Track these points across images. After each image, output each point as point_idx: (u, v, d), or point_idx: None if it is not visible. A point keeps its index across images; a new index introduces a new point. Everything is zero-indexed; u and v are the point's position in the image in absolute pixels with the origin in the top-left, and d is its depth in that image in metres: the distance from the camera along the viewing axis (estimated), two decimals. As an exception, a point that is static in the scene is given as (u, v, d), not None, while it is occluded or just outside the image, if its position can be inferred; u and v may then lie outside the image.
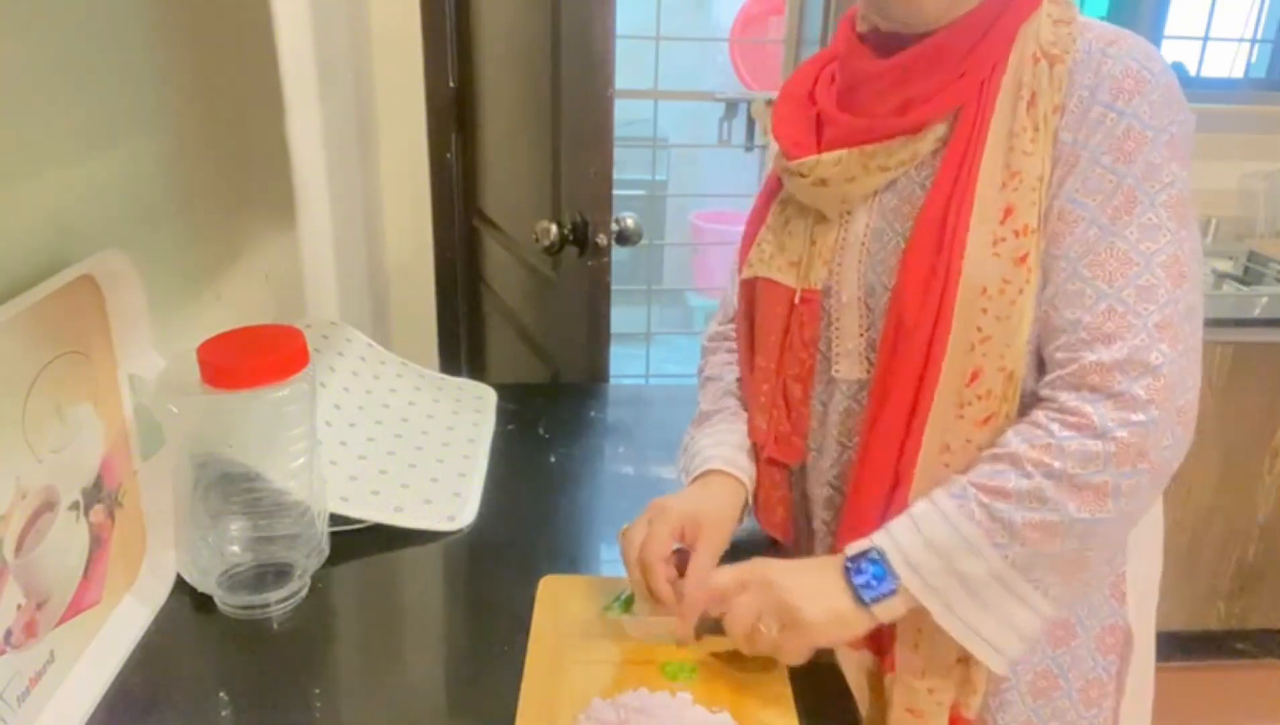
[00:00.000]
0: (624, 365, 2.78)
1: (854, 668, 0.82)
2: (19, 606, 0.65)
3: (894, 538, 0.71)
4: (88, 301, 0.74)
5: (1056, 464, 0.67)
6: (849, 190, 0.78)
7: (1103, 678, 0.82)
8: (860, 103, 0.78)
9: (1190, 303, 0.68)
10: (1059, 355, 0.70)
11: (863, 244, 0.79)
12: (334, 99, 1.61)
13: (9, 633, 0.64)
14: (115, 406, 0.78)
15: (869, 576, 0.70)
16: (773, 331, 0.85)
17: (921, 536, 0.70)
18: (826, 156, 0.77)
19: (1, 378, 0.63)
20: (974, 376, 0.72)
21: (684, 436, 0.95)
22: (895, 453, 0.75)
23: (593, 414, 1.26)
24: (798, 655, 0.72)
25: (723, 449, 0.88)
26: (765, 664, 0.75)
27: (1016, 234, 0.70)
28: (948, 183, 0.72)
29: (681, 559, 0.79)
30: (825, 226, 0.81)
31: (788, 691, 0.73)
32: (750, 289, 0.87)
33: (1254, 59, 2.46)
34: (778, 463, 0.88)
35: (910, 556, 0.70)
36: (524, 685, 0.72)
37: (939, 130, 0.74)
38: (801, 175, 0.79)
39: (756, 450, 0.89)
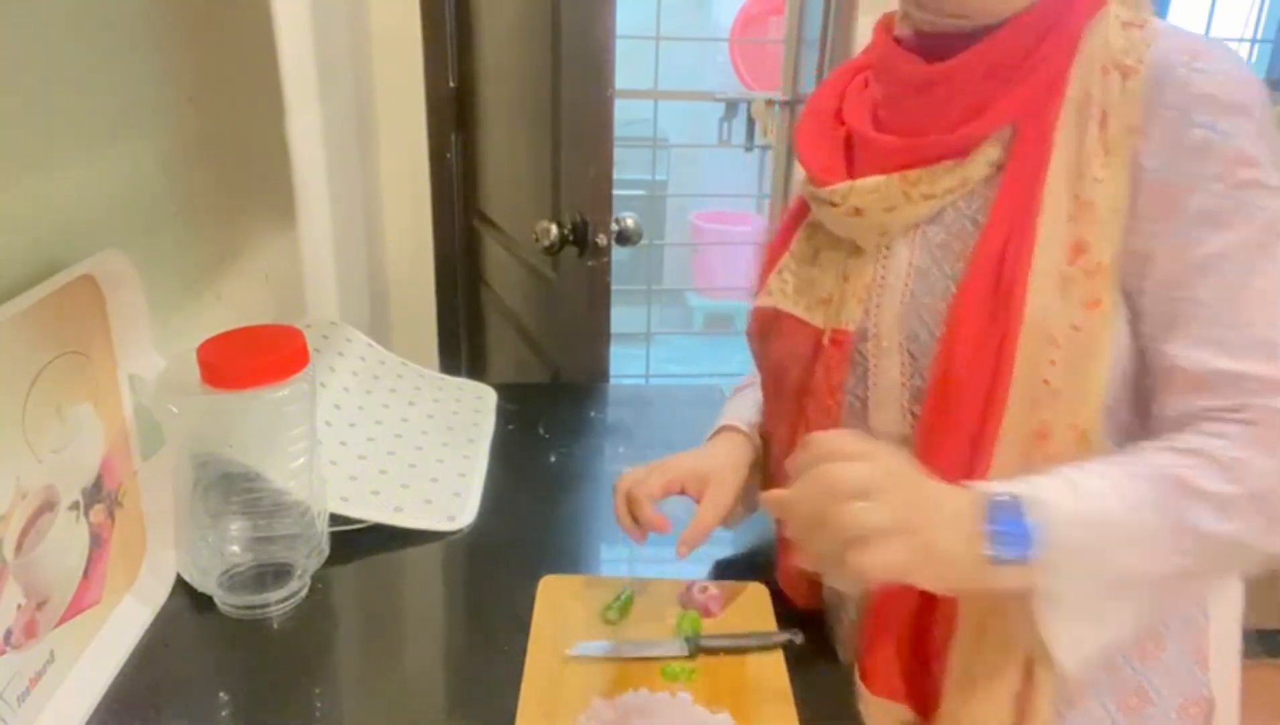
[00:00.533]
0: (624, 365, 2.78)
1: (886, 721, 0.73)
2: (19, 606, 0.65)
3: (1048, 500, 0.57)
4: (88, 301, 0.74)
5: (1255, 481, 0.57)
6: (888, 221, 0.69)
7: None
8: (899, 119, 0.70)
9: None
10: (1216, 402, 0.60)
11: (905, 284, 0.69)
12: (334, 99, 1.61)
13: (9, 633, 0.64)
14: (115, 406, 0.78)
15: (1005, 529, 0.56)
16: (794, 373, 0.76)
17: (1083, 508, 0.57)
18: (861, 183, 0.69)
19: (2, 377, 0.63)
20: (1041, 436, 0.63)
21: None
22: None
23: (593, 414, 1.26)
24: (869, 573, 0.54)
25: (741, 410, 0.88)
26: (766, 663, 0.75)
27: (1088, 274, 0.62)
28: (1005, 215, 0.64)
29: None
30: (860, 260, 0.72)
31: (788, 691, 0.73)
32: (768, 320, 0.79)
33: (1254, 59, 2.46)
34: None
35: (1063, 527, 0.56)
36: (524, 685, 0.72)
37: (992, 153, 0.66)
38: (833, 204, 0.70)
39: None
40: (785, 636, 0.77)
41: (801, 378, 0.75)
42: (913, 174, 0.67)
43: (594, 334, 1.37)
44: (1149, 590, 0.59)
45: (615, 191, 1.29)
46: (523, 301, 1.72)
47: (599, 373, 1.39)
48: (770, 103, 2.27)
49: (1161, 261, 0.62)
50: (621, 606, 0.81)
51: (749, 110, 2.33)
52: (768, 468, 0.86)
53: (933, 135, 0.67)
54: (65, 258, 0.72)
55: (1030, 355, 0.62)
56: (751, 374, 0.90)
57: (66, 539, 0.71)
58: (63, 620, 0.70)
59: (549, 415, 1.22)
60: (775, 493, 0.60)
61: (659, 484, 0.81)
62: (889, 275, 0.70)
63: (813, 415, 0.74)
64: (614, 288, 1.33)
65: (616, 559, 0.94)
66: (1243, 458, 0.57)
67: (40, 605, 0.67)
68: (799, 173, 0.78)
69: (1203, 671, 0.71)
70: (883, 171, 0.68)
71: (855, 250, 0.72)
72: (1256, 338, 0.59)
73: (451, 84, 1.94)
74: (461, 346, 2.15)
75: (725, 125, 2.38)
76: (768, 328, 0.79)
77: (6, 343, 0.64)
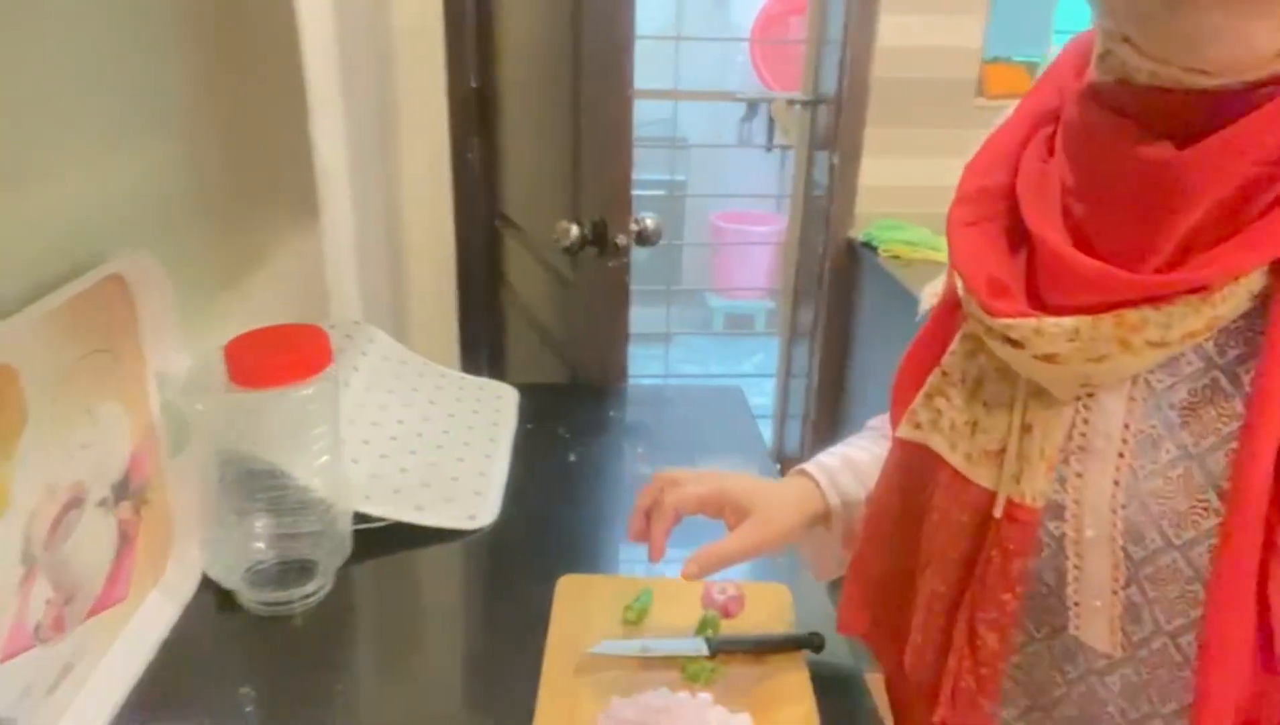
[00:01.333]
0: (643, 365, 2.79)
1: None
2: (48, 601, 0.66)
3: None
4: (117, 301, 0.75)
5: None
6: (1095, 372, 0.49)
7: None
8: (1113, 226, 0.48)
9: None
10: None
11: (1120, 454, 0.50)
12: (357, 99, 1.62)
13: (38, 627, 0.65)
14: (143, 404, 0.79)
15: None
16: (955, 547, 0.56)
17: None
18: (1054, 323, 0.48)
19: (32, 376, 0.64)
20: None
21: None
22: None
23: (612, 414, 1.27)
24: None
25: (827, 457, 0.71)
26: (787, 664, 0.75)
27: None
28: None
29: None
30: (1050, 409, 0.52)
31: (809, 693, 0.72)
32: (914, 456, 0.59)
33: None
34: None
35: None
36: (543, 684, 0.73)
37: (1255, 280, 0.45)
38: (1013, 343, 0.50)
39: (907, 692, 0.65)
40: (806, 636, 0.77)
41: (964, 555, 0.56)
42: (1134, 315, 0.46)
43: (613, 334, 1.37)
44: None
45: (635, 192, 1.29)
46: (542, 301, 1.72)
47: (618, 372, 1.39)
48: (791, 103, 2.26)
49: None
50: (641, 607, 0.81)
51: (769, 110, 2.33)
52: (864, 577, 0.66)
53: (1159, 264, 0.46)
54: (92, 258, 0.73)
55: None
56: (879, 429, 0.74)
57: (94, 535, 0.71)
58: (90, 615, 0.71)
59: (569, 415, 1.22)
60: None
61: (696, 498, 0.70)
62: (1093, 436, 0.51)
63: (982, 609, 0.55)
64: (633, 288, 1.33)
65: (636, 559, 0.94)
66: None
67: (68, 600, 0.68)
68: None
69: None
70: (1086, 309, 0.48)
71: (1037, 391, 0.52)
72: None
73: (473, 84, 1.95)
74: (482, 346, 2.15)
75: (745, 125, 2.39)
76: (914, 467, 0.59)
77: (37, 341, 0.65)
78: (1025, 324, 0.49)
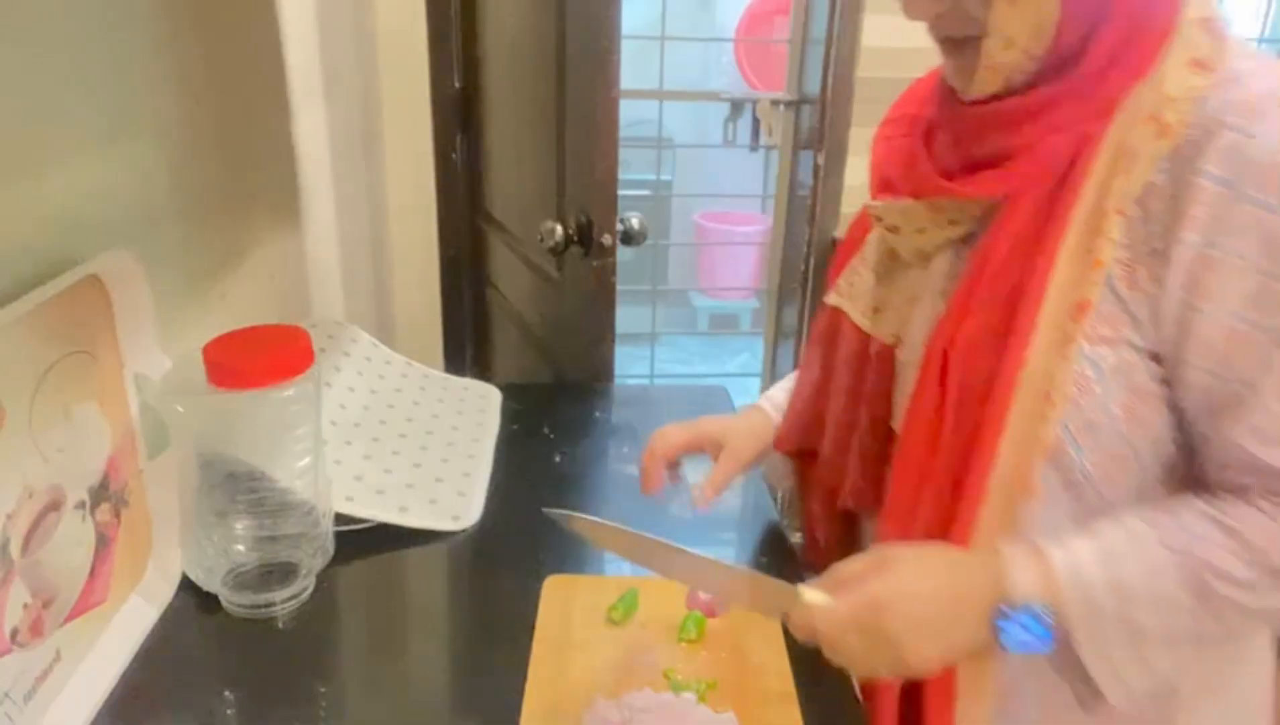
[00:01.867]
0: (629, 365, 2.78)
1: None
2: (25, 605, 0.65)
3: (1077, 569, 0.61)
4: (94, 301, 0.74)
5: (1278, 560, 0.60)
6: (921, 241, 0.71)
7: None
8: (938, 148, 0.70)
9: None
10: (1247, 480, 0.61)
11: (934, 303, 0.71)
12: (339, 99, 1.61)
13: (15, 631, 0.64)
14: (121, 406, 0.78)
15: (1023, 633, 0.60)
16: (848, 377, 0.78)
17: (1110, 574, 0.61)
18: (895, 204, 0.71)
19: (8, 377, 0.64)
20: (1027, 489, 0.63)
21: None
22: (938, 523, 0.67)
23: (597, 414, 1.26)
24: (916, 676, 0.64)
25: (774, 392, 0.94)
26: (770, 663, 0.75)
27: (1101, 340, 0.61)
28: (1011, 253, 0.63)
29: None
30: (905, 273, 0.74)
31: (793, 691, 0.73)
32: (833, 321, 0.81)
33: (1261, 58, 2.45)
34: (849, 511, 0.82)
35: (1092, 594, 0.60)
36: (528, 685, 0.72)
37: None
38: (877, 218, 0.74)
39: (827, 497, 0.84)
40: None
41: (854, 383, 0.78)
42: (939, 201, 0.68)
43: (599, 334, 1.37)
44: (1178, 645, 0.62)
45: (620, 191, 1.29)
46: (527, 301, 1.72)
47: (604, 373, 1.39)
48: (776, 103, 2.26)
49: (1205, 341, 0.59)
50: (626, 607, 0.81)
51: (754, 110, 2.33)
52: (804, 448, 0.88)
53: (953, 175, 0.67)
54: (71, 258, 0.72)
55: (1024, 408, 0.61)
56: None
57: (72, 538, 0.71)
58: (69, 619, 0.71)
59: (554, 415, 1.22)
60: (825, 631, 0.62)
61: (681, 437, 0.89)
62: (924, 292, 0.72)
63: (863, 422, 0.77)
64: (619, 288, 1.33)
65: (621, 560, 0.94)
66: (1274, 537, 0.59)
67: (46, 604, 0.68)
68: (844, 202, 0.83)
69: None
70: (916, 195, 0.69)
71: (905, 263, 0.74)
72: None
73: (457, 84, 1.94)
74: (466, 346, 2.15)
75: (730, 125, 2.38)
76: (832, 329, 0.81)
77: (13, 342, 0.64)
78: (880, 204, 0.72)
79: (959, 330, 0.65)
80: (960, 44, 0.63)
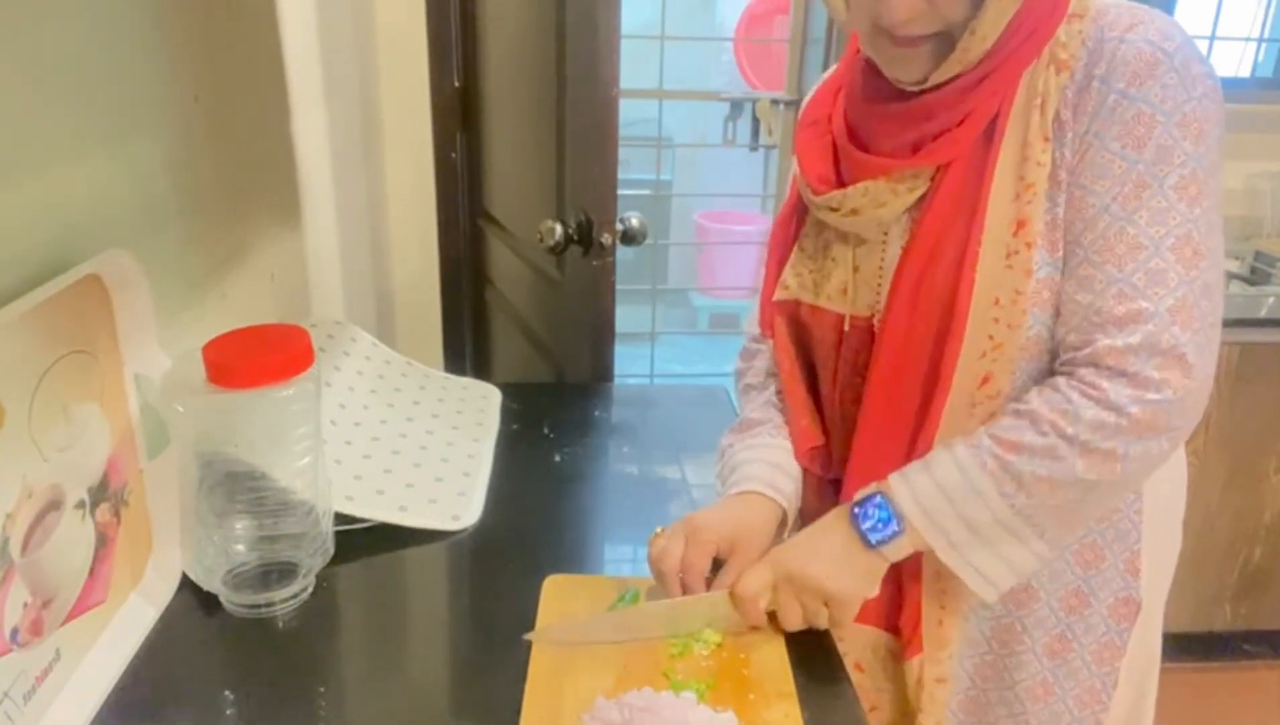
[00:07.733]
0: (628, 365, 2.78)
1: (862, 647, 0.88)
2: (25, 605, 0.65)
3: (907, 479, 0.75)
4: (94, 301, 0.74)
5: (1070, 429, 0.69)
6: (883, 215, 0.78)
7: (1115, 642, 0.86)
8: (872, 139, 0.79)
9: (1208, 281, 0.69)
10: (1072, 337, 0.72)
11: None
12: (339, 99, 1.62)
13: (15, 631, 0.64)
14: (121, 406, 0.78)
15: (875, 520, 0.75)
16: (829, 359, 0.86)
17: (933, 480, 0.73)
18: (853, 190, 0.78)
19: (9, 377, 0.64)
20: (985, 380, 0.75)
21: (722, 440, 0.93)
22: (903, 454, 0.78)
23: (597, 413, 1.26)
24: (849, 618, 0.77)
25: (763, 469, 0.86)
26: (770, 662, 0.75)
27: (1029, 246, 0.72)
28: (954, 196, 0.75)
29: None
30: (867, 250, 0.82)
31: (792, 690, 0.73)
32: (790, 312, 0.88)
33: (1261, 58, 2.45)
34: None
35: (921, 497, 0.74)
36: (528, 684, 0.72)
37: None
38: (833, 209, 0.80)
39: (809, 470, 0.89)
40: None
41: (829, 361, 0.86)
42: (898, 175, 0.76)
43: (598, 334, 1.37)
44: (1022, 526, 0.73)
45: (620, 191, 1.29)
46: (527, 301, 1.72)
47: (603, 372, 1.39)
48: (775, 102, 2.27)
49: (1069, 214, 0.72)
50: (627, 607, 0.80)
51: (754, 110, 2.33)
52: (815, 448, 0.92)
53: (901, 154, 0.77)
54: (71, 257, 0.72)
55: (980, 313, 0.73)
56: (756, 329, 0.96)
57: (72, 538, 0.71)
58: (68, 619, 0.71)
59: (553, 415, 1.22)
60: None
61: (706, 562, 0.80)
62: (890, 261, 0.80)
63: (846, 395, 0.85)
64: (618, 287, 1.33)
65: (621, 559, 0.94)
66: (1067, 410, 0.69)
67: (46, 604, 0.68)
68: (793, 168, 0.87)
69: (1134, 579, 0.84)
70: (867, 179, 0.77)
71: (860, 241, 0.82)
72: (1111, 276, 0.69)
73: (456, 84, 1.94)
74: (466, 346, 2.15)
75: (730, 125, 2.38)
76: (791, 320, 0.88)
77: (13, 342, 0.64)
78: (837, 195, 0.79)
79: (923, 258, 0.76)
80: (916, 41, 0.71)
